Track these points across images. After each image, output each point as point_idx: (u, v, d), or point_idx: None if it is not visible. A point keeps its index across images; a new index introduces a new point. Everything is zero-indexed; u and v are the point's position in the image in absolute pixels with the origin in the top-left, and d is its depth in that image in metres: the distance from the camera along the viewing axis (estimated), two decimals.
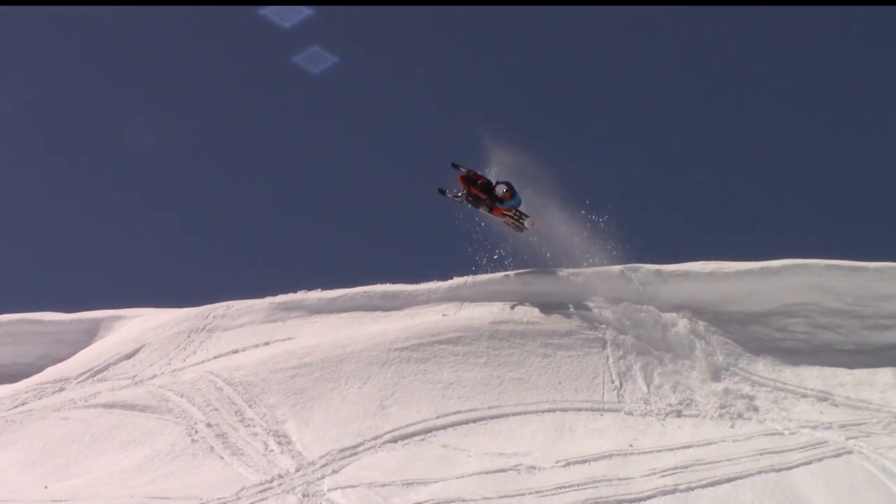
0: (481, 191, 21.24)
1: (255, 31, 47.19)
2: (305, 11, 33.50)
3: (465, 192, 21.34)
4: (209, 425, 16.41)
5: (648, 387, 18.26)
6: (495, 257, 21.73)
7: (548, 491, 13.51)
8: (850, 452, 15.15)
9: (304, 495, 13.36)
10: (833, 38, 47.82)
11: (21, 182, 48.66)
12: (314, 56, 35.74)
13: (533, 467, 14.50)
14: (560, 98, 49.85)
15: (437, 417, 16.65)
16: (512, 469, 14.45)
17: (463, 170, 21.40)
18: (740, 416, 17.22)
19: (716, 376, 18.93)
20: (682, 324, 20.48)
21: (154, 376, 19.39)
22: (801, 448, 15.33)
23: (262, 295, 22.83)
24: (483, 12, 46.10)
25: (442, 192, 21.58)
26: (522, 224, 21.21)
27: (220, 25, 48.19)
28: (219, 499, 13.21)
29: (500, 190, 21.20)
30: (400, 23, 48.56)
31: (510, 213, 21.26)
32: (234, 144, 49.15)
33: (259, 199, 47.59)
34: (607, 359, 19.03)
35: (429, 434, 16.12)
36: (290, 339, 20.33)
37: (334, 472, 14.38)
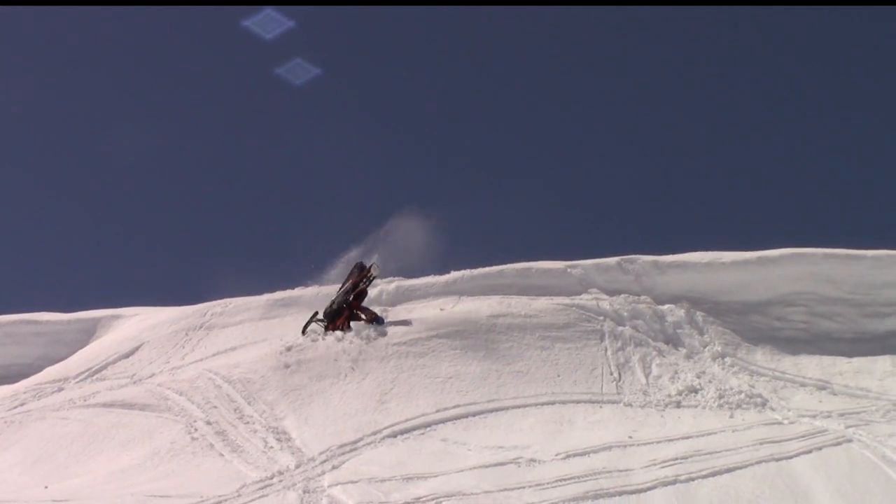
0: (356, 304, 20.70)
1: (237, 42, 47.68)
2: (287, 23, 33.63)
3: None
4: (208, 423, 16.40)
5: (647, 378, 18.26)
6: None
7: (548, 483, 13.48)
8: (850, 441, 15.13)
9: (304, 491, 13.33)
10: (832, 29, 47.91)
11: (17, 182, 48.76)
12: (296, 68, 36.00)
13: (533, 460, 14.49)
14: (554, 94, 50.01)
15: (437, 411, 16.64)
16: (512, 462, 14.42)
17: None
18: (739, 405, 17.21)
19: (714, 366, 18.94)
20: (680, 314, 20.49)
21: (153, 375, 19.39)
22: (801, 437, 15.31)
23: (259, 292, 22.86)
24: (466, 16, 46.41)
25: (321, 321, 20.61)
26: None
27: (203, 35, 48.64)
28: (219, 496, 13.18)
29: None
30: (383, 34, 48.94)
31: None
32: (225, 152, 49.59)
33: (254, 199, 47.89)
34: (606, 350, 19.03)
35: (428, 428, 16.10)
36: (287, 335, 20.31)
37: (334, 467, 14.36)
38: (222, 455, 15.21)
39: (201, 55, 50.06)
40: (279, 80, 40.49)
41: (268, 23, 33.46)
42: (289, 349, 19.09)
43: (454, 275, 22.02)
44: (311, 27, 46.41)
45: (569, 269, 21.74)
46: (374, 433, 15.84)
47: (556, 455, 14.68)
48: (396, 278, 22.34)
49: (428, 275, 22.35)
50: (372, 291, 21.39)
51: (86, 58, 50.78)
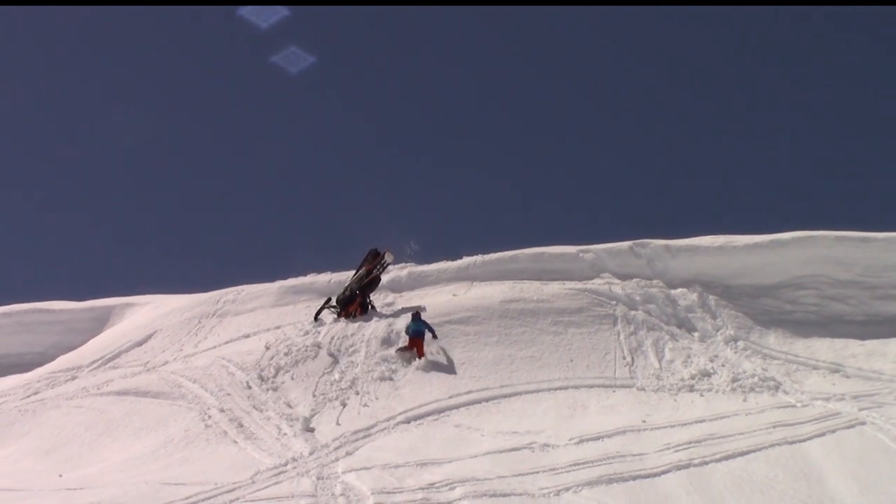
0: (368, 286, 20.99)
1: (233, 31, 48.10)
2: (282, 12, 33.73)
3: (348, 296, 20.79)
4: (222, 410, 16.44)
5: (660, 362, 18.25)
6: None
7: (562, 468, 13.49)
8: (863, 423, 15.11)
9: (318, 478, 13.35)
10: (838, 23, 47.86)
11: (30, 173, 49.04)
12: (292, 56, 36.21)
13: (546, 445, 14.49)
14: (567, 81, 50.02)
15: (450, 397, 16.66)
16: (525, 447, 14.44)
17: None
18: (752, 389, 17.19)
19: (727, 350, 18.91)
20: (692, 298, 20.48)
21: (166, 362, 19.44)
22: (814, 420, 15.30)
23: (271, 279, 22.90)
24: (461, 12, 46.61)
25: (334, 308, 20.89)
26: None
27: (199, 26, 48.98)
28: (233, 483, 13.21)
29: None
30: (376, 24, 49.26)
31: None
32: (233, 140, 50.04)
33: (265, 189, 48.19)
34: (618, 335, 19.02)
35: (441, 414, 16.12)
36: (300, 322, 20.34)
37: (348, 454, 14.38)
38: (236, 442, 15.26)
39: (198, 48, 50.41)
40: (275, 68, 40.79)
41: (263, 11, 33.58)
42: (301, 336, 19.17)
43: (466, 260, 22.04)
44: (306, 15, 46.62)
45: (581, 254, 21.75)
46: (388, 419, 15.87)
47: (570, 440, 14.69)
48: (409, 264, 22.39)
49: (440, 260, 22.38)
50: (385, 278, 21.43)
51: (91, 53, 51.23)
